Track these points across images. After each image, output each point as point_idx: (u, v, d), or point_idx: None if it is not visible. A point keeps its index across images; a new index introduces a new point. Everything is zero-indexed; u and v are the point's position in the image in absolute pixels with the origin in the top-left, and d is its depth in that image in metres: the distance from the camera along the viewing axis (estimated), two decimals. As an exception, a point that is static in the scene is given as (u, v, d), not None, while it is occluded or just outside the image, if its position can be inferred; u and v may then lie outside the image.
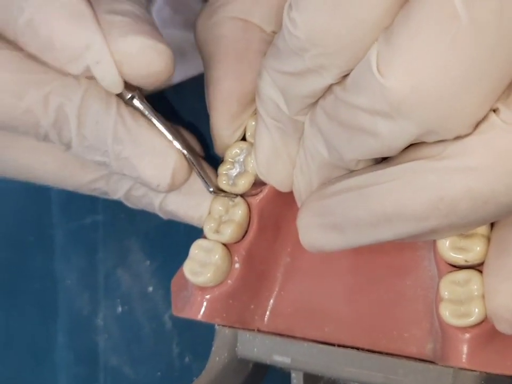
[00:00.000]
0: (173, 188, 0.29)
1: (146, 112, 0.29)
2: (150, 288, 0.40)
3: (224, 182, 0.31)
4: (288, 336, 0.30)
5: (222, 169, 0.31)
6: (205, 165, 0.32)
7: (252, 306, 0.31)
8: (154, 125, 0.29)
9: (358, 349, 0.28)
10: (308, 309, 0.31)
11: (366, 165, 0.25)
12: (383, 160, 0.25)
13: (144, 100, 0.29)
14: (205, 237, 0.30)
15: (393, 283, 0.29)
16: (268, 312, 0.32)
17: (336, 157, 0.25)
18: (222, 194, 0.31)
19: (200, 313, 0.30)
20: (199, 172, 0.30)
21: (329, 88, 0.24)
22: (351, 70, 0.23)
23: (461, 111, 0.21)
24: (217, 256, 0.29)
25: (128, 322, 0.40)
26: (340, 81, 0.24)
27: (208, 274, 0.29)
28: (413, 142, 0.23)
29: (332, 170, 0.26)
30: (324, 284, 0.31)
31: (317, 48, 0.23)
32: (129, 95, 0.29)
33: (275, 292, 0.32)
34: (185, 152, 0.29)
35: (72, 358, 0.41)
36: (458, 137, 0.22)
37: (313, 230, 0.27)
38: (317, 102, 0.25)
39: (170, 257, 0.39)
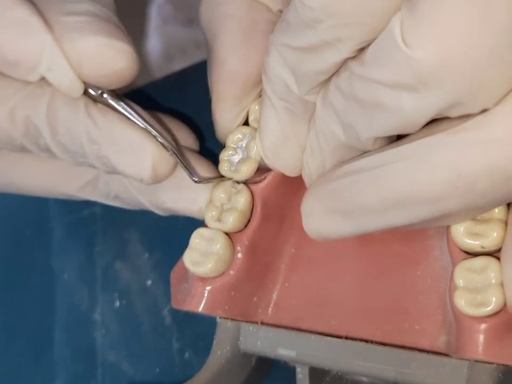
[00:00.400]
0: (158, 179, 0.29)
1: (119, 107, 0.28)
2: (149, 282, 0.38)
3: (225, 168, 0.29)
4: (293, 329, 0.29)
5: (224, 155, 0.30)
6: (190, 153, 0.31)
7: (255, 299, 0.30)
8: (129, 119, 0.29)
9: (367, 341, 0.27)
10: (313, 300, 0.30)
11: (383, 145, 0.24)
12: (398, 140, 0.24)
13: (115, 94, 0.29)
14: (206, 226, 0.29)
15: (403, 273, 0.28)
16: (271, 305, 0.30)
17: (353, 136, 0.24)
18: (207, 181, 0.30)
19: (201, 305, 0.28)
20: (180, 161, 0.29)
21: (344, 63, 0.23)
22: (369, 42, 0.22)
23: (493, 81, 0.20)
24: (218, 246, 0.28)
25: (126, 317, 0.39)
26: (356, 56, 0.23)
27: (209, 264, 0.28)
28: (435, 117, 0.21)
29: (347, 151, 0.25)
30: (330, 275, 0.30)
31: (333, 18, 0.21)
32: (99, 92, 0.28)
33: (279, 284, 0.31)
34: (162, 141, 0.28)
35: (70, 355, 0.40)
36: (484, 110, 0.20)
37: (319, 216, 0.25)
38: (329, 79, 0.24)
39: (170, 249, 0.38)
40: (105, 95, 0.28)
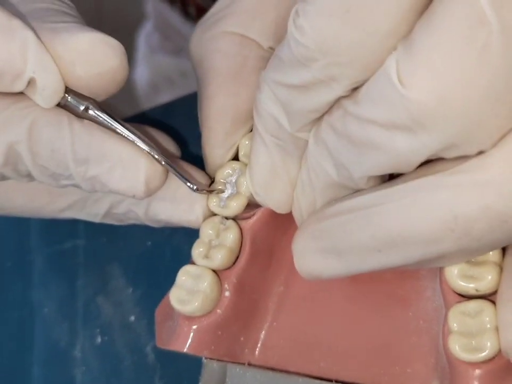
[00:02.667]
0: (150, 193, 0.28)
1: (106, 121, 0.27)
2: (132, 318, 0.37)
3: (214, 203, 0.29)
4: (281, 370, 0.28)
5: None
6: (184, 163, 0.30)
7: (242, 338, 0.29)
8: (117, 133, 0.27)
9: (358, 385, 0.26)
10: (302, 341, 0.29)
11: (376, 184, 0.24)
12: (392, 179, 0.24)
13: (101, 108, 0.27)
14: (193, 263, 0.28)
15: (394, 314, 0.28)
16: (259, 345, 0.30)
17: (345, 175, 0.23)
18: (208, 191, 0.29)
19: (187, 345, 0.27)
20: (177, 172, 0.28)
21: (337, 102, 0.23)
22: (363, 81, 0.22)
23: (489, 122, 0.19)
24: (206, 284, 0.27)
25: (108, 354, 0.37)
26: (350, 94, 0.22)
27: (196, 303, 0.27)
28: (430, 158, 0.21)
29: (339, 190, 0.24)
30: (319, 315, 0.29)
31: (328, 57, 0.21)
32: (83, 107, 0.27)
33: (267, 323, 0.30)
34: (155, 154, 0.27)
35: (48, 393, 0.38)
36: (480, 152, 0.20)
37: (310, 255, 0.25)
38: (321, 118, 0.24)
39: (155, 284, 0.37)
40: (90, 110, 0.27)
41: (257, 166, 0.27)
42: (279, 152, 0.26)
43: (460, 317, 0.23)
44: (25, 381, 0.39)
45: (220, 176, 0.29)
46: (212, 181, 0.30)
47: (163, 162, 0.27)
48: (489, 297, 0.23)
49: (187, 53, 0.31)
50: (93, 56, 0.26)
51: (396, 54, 0.20)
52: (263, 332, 0.30)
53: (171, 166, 0.28)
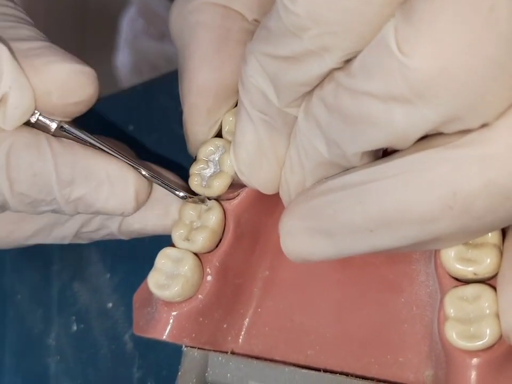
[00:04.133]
0: (138, 208, 0.27)
1: (83, 137, 0.26)
2: (110, 304, 0.36)
3: (196, 182, 0.27)
4: (266, 359, 0.27)
5: (195, 168, 0.28)
6: (162, 170, 0.29)
7: (225, 325, 0.28)
8: (96, 149, 0.26)
9: (346, 374, 0.25)
10: (288, 328, 0.28)
11: (371, 161, 0.22)
12: (387, 155, 0.22)
13: (75, 124, 0.26)
14: (173, 245, 0.27)
15: (386, 300, 0.26)
16: (243, 332, 0.28)
17: (337, 152, 0.22)
18: (194, 198, 0.27)
19: (166, 332, 0.26)
20: (162, 182, 0.27)
21: (329, 75, 0.22)
22: (357, 52, 0.20)
23: (494, 93, 0.18)
24: (186, 267, 0.26)
25: (84, 342, 0.36)
26: (343, 67, 0.21)
27: (176, 288, 0.26)
28: (429, 133, 0.20)
29: (330, 169, 0.23)
30: (307, 301, 0.28)
31: (320, 26, 0.20)
32: (55, 125, 0.26)
33: (251, 309, 0.28)
34: (140, 168, 0.26)
35: (20, 383, 0.37)
36: (483, 125, 0.19)
37: (298, 236, 0.23)
38: (312, 91, 0.23)
39: (134, 270, 0.36)
40: (66, 127, 0.26)
41: (243, 143, 0.25)
42: (266, 128, 0.25)
43: (457, 302, 0.22)
44: (-4, 370, 0.38)
45: (202, 154, 0.28)
46: (194, 159, 0.28)
47: (147, 174, 0.27)
48: (488, 282, 0.22)
49: (170, 39, 0.29)
50: (70, 87, 0.25)
51: (394, 20, 0.19)
52: (247, 319, 0.28)
53: (157, 178, 0.27)
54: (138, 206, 0.27)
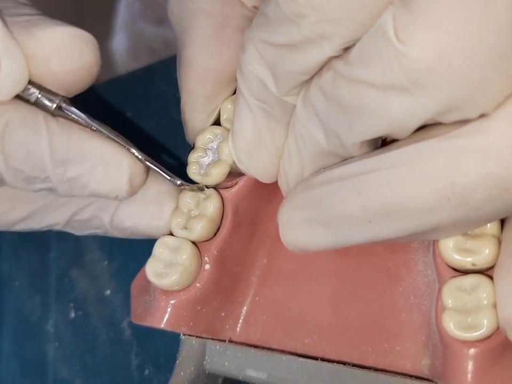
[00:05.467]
0: (133, 193, 0.27)
1: (82, 118, 0.26)
2: (108, 292, 0.36)
3: (194, 170, 0.27)
4: (263, 348, 0.27)
5: (193, 156, 0.27)
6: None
7: (223, 314, 0.28)
8: (93, 131, 0.26)
9: (344, 363, 0.25)
10: (286, 317, 0.28)
11: (369, 150, 0.22)
12: (385, 145, 0.22)
13: (74, 105, 0.26)
14: (171, 234, 0.27)
15: (383, 289, 0.26)
16: (240, 320, 0.28)
17: (335, 142, 0.22)
18: (192, 186, 0.27)
19: (164, 321, 0.26)
20: (159, 168, 0.27)
21: (327, 63, 0.21)
22: (355, 40, 0.20)
23: (493, 83, 0.18)
24: (184, 256, 0.26)
25: (82, 329, 0.36)
26: (341, 55, 0.21)
27: (174, 276, 0.25)
28: (427, 123, 0.19)
29: (328, 158, 0.23)
30: (304, 289, 0.28)
31: (318, 13, 0.20)
32: (55, 104, 0.25)
33: (249, 298, 0.28)
34: (136, 152, 0.26)
35: (19, 369, 0.37)
36: (482, 116, 0.18)
37: (297, 226, 0.23)
38: (310, 80, 0.22)
39: (132, 257, 0.35)
40: (64, 107, 0.25)
41: (241, 132, 0.25)
42: (265, 117, 0.24)
43: (455, 293, 0.22)
44: (-5, 356, 0.38)
45: (200, 142, 0.27)
46: (192, 147, 0.28)
47: (144, 159, 0.26)
48: (486, 272, 0.22)
49: (169, 19, 0.29)
50: (68, 52, 0.25)
51: (392, 8, 0.19)
52: (245, 307, 0.28)
53: (152, 163, 0.26)
54: (133, 190, 0.26)
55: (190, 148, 0.28)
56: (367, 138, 0.21)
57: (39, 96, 0.25)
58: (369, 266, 0.27)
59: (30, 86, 0.25)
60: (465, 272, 0.22)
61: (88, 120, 0.26)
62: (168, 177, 0.27)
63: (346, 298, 0.27)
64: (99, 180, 0.26)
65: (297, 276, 0.28)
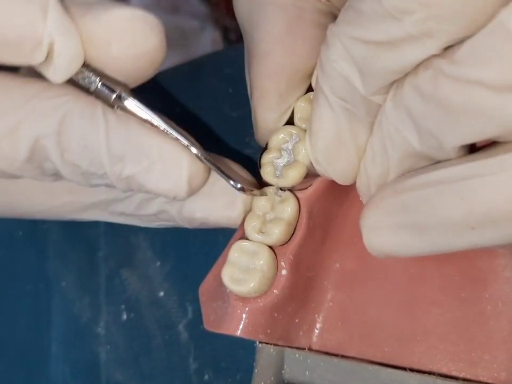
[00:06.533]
0: (191, 194, 0.25)
1: (142, 111, 0.24)
2: (161, 293, 0.35)
3: (269, 172, 0.26)
4: (342, 356, 0.26)
5: (267, 157, 0.26)
6: (227, 160, 0.27)
7: (297, 320, 0.27)
8: (152, 126, 0.24)
9: (430, 373, 0.24)
10: (362, 323, 0.27)
11: (465, 153, 0.21)
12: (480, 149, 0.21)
13: (134, 96, 0.24)
14: (246, 238, 0.26)
15: (468, 296, 0.25)
16: (315, 327, 0.27)
17: (431, 144, 0.21)
18: (254, 191, 0.26)
19: (240, 328, 0.25)
20: (219, 170, 0.25)
21: (424, 62, 0.20)
22: (461, 38, 0.19)
23: None
24: (262, 261, 0.25)
25: (135, 331, 0.35)
26: (443, 53, 0.20)
27: (252, 283, 0.25)
28: None
29: (418, 161, 0.22)
30: (380, 294, 0.27)
31: (427, 9, 0.19)
32: (115, 94, 0.24)
33: (323, 303, 0.28)
34: (196, 150, 0.24)
35: (69, 372, 0.36)
36: None
37: (384, 231, 0.22)
38: (401, 79, 0.21)
39: (184, 258, 0.34)
40: (124, 98, 0.24)
41: (321, 131, 0.24)
42: (347, 116, 0.23)
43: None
44: (42, 358, 0.37)
45: (274, 143, 0.26)
46: (265, 148, 0.27)
47: (205, 159, 0.25)
48: None
49: (185, 12, 0.28)
50: (131, 36, 0.23)
51: None
52: (319, 313, 0.27)
53: (213, 163, 0.25)
54: (192, 191, 0.25)
55: (261, 148, 0.27)
56: (472, 141, 0.20)
57: (99, 85, 0.24)
58: (451, 272, 0.26)
59: (85, 70, 0.23)
60: None
61: (150, 114, 0.24)
62: (232, 182, 0.25)
63: (426, 304, 0.26)
64: (157, 179, 0.24)
65: (371, 280, 0.27)
